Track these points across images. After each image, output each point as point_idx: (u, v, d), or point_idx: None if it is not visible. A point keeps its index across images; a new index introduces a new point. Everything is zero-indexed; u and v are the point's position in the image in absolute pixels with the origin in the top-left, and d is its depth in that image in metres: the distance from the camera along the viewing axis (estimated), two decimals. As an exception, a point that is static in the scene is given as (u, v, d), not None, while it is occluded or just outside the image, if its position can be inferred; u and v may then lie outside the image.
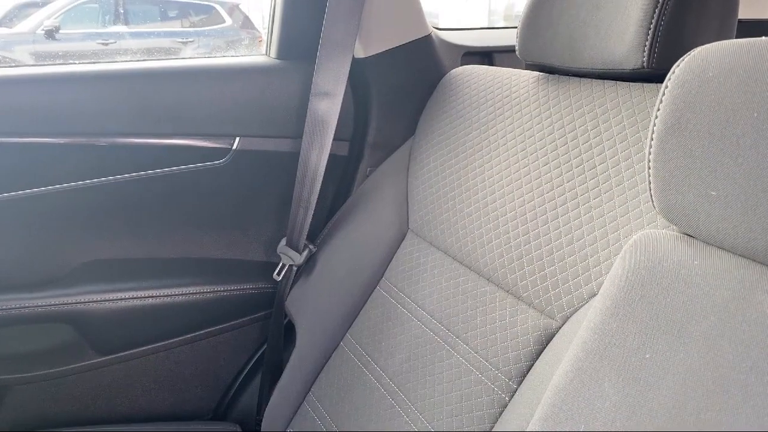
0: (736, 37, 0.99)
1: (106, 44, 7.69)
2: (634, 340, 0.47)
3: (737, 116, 0.42)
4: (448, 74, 1.02)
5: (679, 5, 0.67)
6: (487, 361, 0.72)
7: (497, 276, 0.76)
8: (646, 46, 0.67)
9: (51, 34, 7.34)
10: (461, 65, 1.06)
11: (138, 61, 1.04)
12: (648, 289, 0.48)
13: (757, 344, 0.40)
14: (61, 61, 1.03)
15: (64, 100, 0.94)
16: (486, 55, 1.18)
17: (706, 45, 0.47)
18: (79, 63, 1.00)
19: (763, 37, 0.45)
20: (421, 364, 0.80)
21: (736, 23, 0.73)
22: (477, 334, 0.75)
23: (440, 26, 1.17)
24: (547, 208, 0.74)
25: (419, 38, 1.06)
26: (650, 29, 0.67)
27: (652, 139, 0.48)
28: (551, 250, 0.71)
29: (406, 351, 0.82)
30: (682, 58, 0.48)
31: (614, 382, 0.46)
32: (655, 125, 0.47)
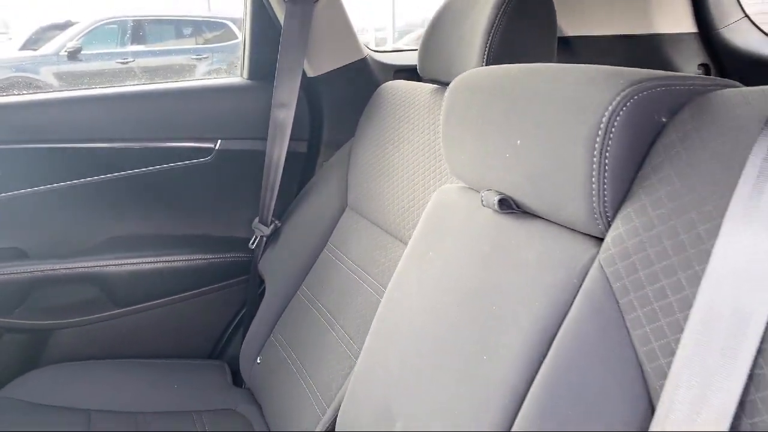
0: (566, 53, 1.36)
1: (125, 63, 8.11)
2: (422, 265, 0.77)
3: (486, 109, 0.71)
4: (380, 87, 1.32)
5: (507, 31, 0.96)
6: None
7: (402, 234, 1.06)
8: (483, 58, 0.96)
9: (74, 55, 7.78)
10: (393, 80, 1.37)
11: (142, 84, 1.37)
12: (434, 227, 0.78)
13: (482, 255, 0.70)
14: (86, 86, 1.37)
15: (88, 115, 1.27)
16: (413, 71, 1.49)
17: (475, 69, 0.78)
18: (98, 87, 1.33)
19: (506, 65, 0.75)
20: (350, 299, 1.10)
21: (556, 42, 1.02)
22: (386, 277, 1.05)
23: (376, 48, 1.49)
24: (425, 185, 1.03)
25: (356, 60, 1.38)
26: (486, 45, 0.95)
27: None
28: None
29: (339, 292, 1.13)
30: (460, 76, 0.78)
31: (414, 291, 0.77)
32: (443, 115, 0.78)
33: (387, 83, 1.31)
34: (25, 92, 1.31)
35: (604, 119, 0.53)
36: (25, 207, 1.27)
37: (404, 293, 0.79)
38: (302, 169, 1.44)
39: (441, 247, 0.76)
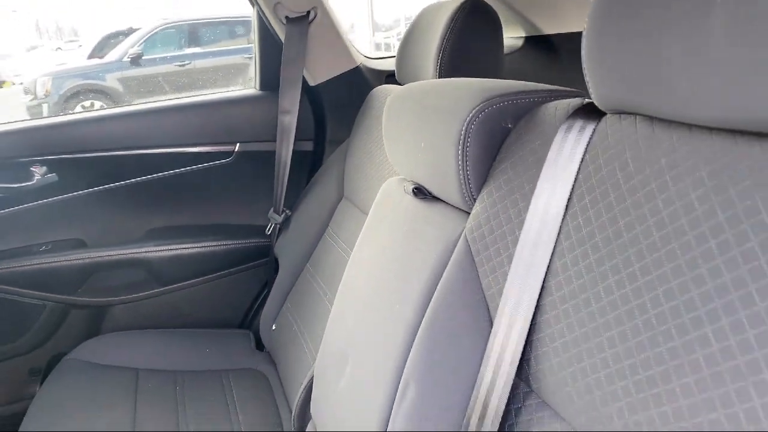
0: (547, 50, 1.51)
1: (183, 65, 8.53)
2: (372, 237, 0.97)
3: (406, 117, 0.90)
4: (372, 91, 1.52)
5: (455, 47, 1.14)
6: None
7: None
8: (436, 70, 1.15)
9: (136, 60, 8.27)
10: (385, 84, 1.56)
11: (171, 99, 1.62)
12: (378, 211, 0.99)
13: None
14: (127, 103, 1.64)
15: (130, 127, 1.54)
16: (402, 76, 1.68)
17: (410, 83, 0.97)
18: (138, 103, 1.60)
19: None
20: (338, 273, 1.31)
21: (502, 55, 1.19)
22: None
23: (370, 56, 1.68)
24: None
25: (352, 68, 1.59)
26: (438, 59, 1.14)
27: None
28: None
29: (331, 268, 1.34)
30: None
31: (362, 261, 0.98)
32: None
33: (377, 87, 1.50)
34: (80, 111, 1.59)
35: (464, 126, 0.72)
36: (83, 205, 1.55)
37: (356, 264, 1.01)
38: (310, 165, 1.66)
39: (379, 227, 0.96)
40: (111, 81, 7.44)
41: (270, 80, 1.60)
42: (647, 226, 0.51)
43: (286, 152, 1.53)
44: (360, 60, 1.62)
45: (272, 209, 1.60)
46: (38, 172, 1.47)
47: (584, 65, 0.57)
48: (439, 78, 1.15)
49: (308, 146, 1.64)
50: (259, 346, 1.56)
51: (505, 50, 1.38)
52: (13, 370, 1.53)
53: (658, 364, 0.48)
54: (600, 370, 0.53)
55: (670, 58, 0.47)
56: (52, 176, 1.48)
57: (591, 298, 0.56)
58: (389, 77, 1.65)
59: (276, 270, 1.58)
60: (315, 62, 1.55)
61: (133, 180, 1.57)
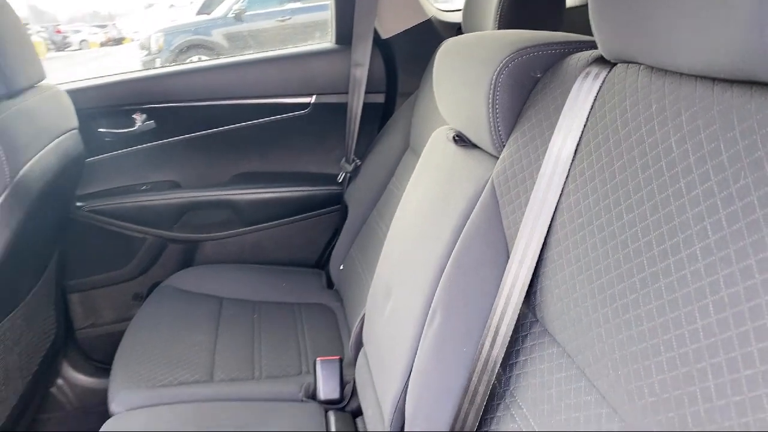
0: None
1: (284, 21, 8.77)
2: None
3: (453, 68, 0.95)
4: (443, 43, 1.56)
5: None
6: None
7: None
8: (496, 22, 1.17)
9: (239, 17, 8.60)
10: (456, 36, 1.59)
11: (259, 52, 1.74)
12: (426, 158, 1.05)
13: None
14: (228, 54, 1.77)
15: (219, 80, 1.68)
16: (475, 27, 1.69)
17: (457, 36, 1.01)
18: (226, 57, 1.73)
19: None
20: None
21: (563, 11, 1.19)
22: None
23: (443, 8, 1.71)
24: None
25: (423, 21, 1.62)
26: (498, 11, 1.17)
27: None
28: None
29: (391, 214, 1.41)
30: None
31: (408, 203, 1.05)
32: None
33: (452, 39, 1.53)
34: (177, 63, 1.75)
35: (494, 75, 0.76)
36: (178, 150, 1.72)
37: (404, 206, 1.08)
38: (381, 117, 1.73)
39: (425, 172, 1.03)
40: (217, 36, 7.81)
41: (345, 34, 1.67)
42: (635, 168, 0.55)
43: (357, 104, 1.61)
44: (432, 13, 1.65)
45: (344, 159, 1.70)
46: (139, 120, 1.65)
47: (590, 17, 0.60)
48: (498, 30, 1.18)
49: (380, 98, 1.71)
50: (330, 284, 1.69)
51: (572, 3, 1.36)
52: (120, 294, 1.77)
53: (633, 292, 0.52)
54: (588, 299, 0.58)
55: (658, 11, 0.49)
56: (151, 123, 1.66)
57: (587, 235, 0.60)
58: (460, 29, 1.67)
59: (345, 216, 1.68)
60: (386, 15, 1.60)
61: (221, 128, 1.72)
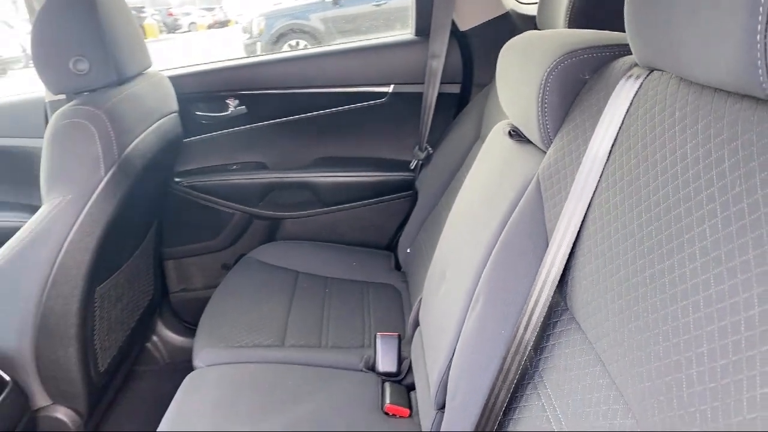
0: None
1: (379, 5, 8.89)
2: None
3: (514, 64, 0.99)
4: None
5: None
6: None
7: None
8: (566, 19, 1.20)
9: (336, 1, 8.78)
10: (533, 29, 1.61)
11: (341, 43, 1.83)
12: (486, 150, 1.10)
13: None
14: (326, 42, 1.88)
15: (303, 69, 1.79)
16: (552, 20, 1.69)
17: (523, 33, 1.05)
18: (310, 48, 1.84)
19: None
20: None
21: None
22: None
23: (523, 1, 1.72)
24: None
25: (500, 15, 1.65)
26: (568, 9, 1.19)
27: None
28: None
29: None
30: None
31: (465, 191, 1.10)
32: None
33: (527, 32, 1.56)
34: (287, 50, 1.88)
35: (544, 75, 0.81)
36: (266, 134, 1.86)
37: (462, 195, 1.14)
38: (456, 107, 1.78)
39: (483, 164, 1.08)
40: (314, 21, 8.04)
41: (424, 26, 1.73)
42: (656, 171, 0.58)
43: (432, 94, 1.68)
44: (510, 6, 1.67)
45: (417, 147, 1.77)
46: (232, 105, 1.79)
47: (626, 26, 0.63)
48: (568, 26, 1.20)
49: (455, 89, 1.76)
50: (398, 266, 1.78)
51: None
52: (210, 263, 1.94)
53: (643, 286, 0.56)
54: (608, 291, 0.63)
55: (679, 23, 0.53)
56: (242, 108, 1.80)
57: (612, 231, 0.64)
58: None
59: (416, 201, 1.76)
60: (465, 8, 1.65)
61: (305, 115, 1.84)
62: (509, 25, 1.67)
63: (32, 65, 1.23)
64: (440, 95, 1.71)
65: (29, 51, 1.20)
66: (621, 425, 0.56)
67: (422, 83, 1.73)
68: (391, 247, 1.92)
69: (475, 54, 1.71)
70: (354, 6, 8.29)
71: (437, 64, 1.65)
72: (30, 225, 1.18)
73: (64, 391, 1.26)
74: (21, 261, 1.17)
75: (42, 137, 1.74)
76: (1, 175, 1.89)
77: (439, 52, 1.64)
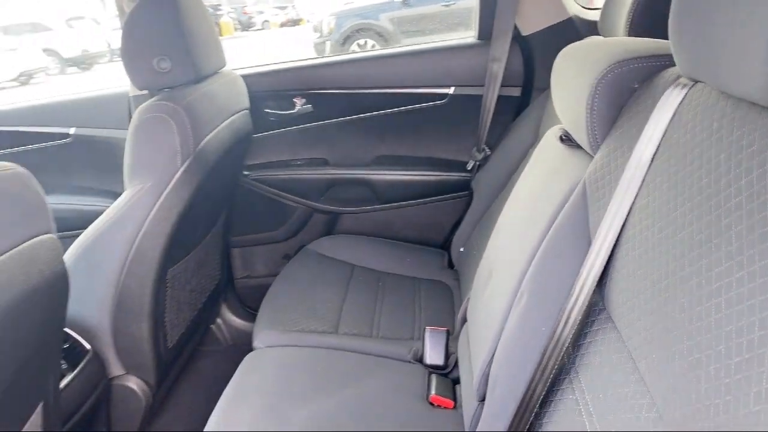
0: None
1: (448, 6, 8.89)
2: None
3: (568, 70, 1.02)
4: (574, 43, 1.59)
5: (648, 5, 1.18)
6: None
7: None
8: (626, 28, 1.21)
9: (406, 1, 8.84)
10: (595, 35, 1.61)
11: (403, 46, 1.89)
12: (537, 153, 1.13)
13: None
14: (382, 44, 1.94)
15: (367, 70, 1.86)
16: (617, 26, 1.68)
17: (575, 42, 1.07)
18: (374, 50, 1.91)
19: None
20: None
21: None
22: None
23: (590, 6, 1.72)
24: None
25: (563, 20, 1.66)
26: (630, 17, 1.20)
27: None
28: None
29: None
30: None
31: (516, 190, 1.14)
32: None
33: (589, 38, 1.57)
34: (357, 49, 1.96)
35: (594, 84, 0.83)
36: (329, 132, 1.94)
37: (513, 196, 1.17)
38: (516, 110, 1.80)
39: (535, 166, 1.11)
40: (384, 21, 8.13)
41: (487, 30, 1.76)
42: (692, 179, 0.61)
43: (491, 97, 1.71)
44: (573, 11, 1.68)
45: (475, 148, 1.80)
46: (299, 103, 1.88)
47: (669, 38, 0.66)
48: (628, 34, 1.21)
49: (515, 92, 1.78)
50: (451, 264, 1.82)
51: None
52: (272, 253, 2.05)
53: (674, 288, 0.59)
54: (642, 292, 0.65)
55: (717, 38, 0.55)
56: (309, 107, 1.89)
57: (649, 235, 0.67)
58: (599, 29, 1.69)
59: (471, 201, 1.79)
60: (528, 13, 1.67)
61: (367, 114, 1.90)
62: (572, 30, 1.68)
63: (116, 60, 1.35)
64: (500, 98, 1.74)
65: (113, 46, 1.32)
66: (646, 419, 0.59)
67: (482, 86, 1.76)
68: (445, 245, 1.97)
69: (537, 58, 1.73)
70: (423, 6, 8.33)
71: (498, 68, 1.68)
72: (112, 209, 1.30)
73: (137, 362, 1.38)
74: (103, 242, 1.29)
75: (124, 129, 1.89)
76: (87, 163, 2.06)
77: (501, 56, 1.67)
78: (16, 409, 0.87)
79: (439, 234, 1.96)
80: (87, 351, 1.28)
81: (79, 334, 1.29)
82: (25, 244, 0.78)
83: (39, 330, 0.87)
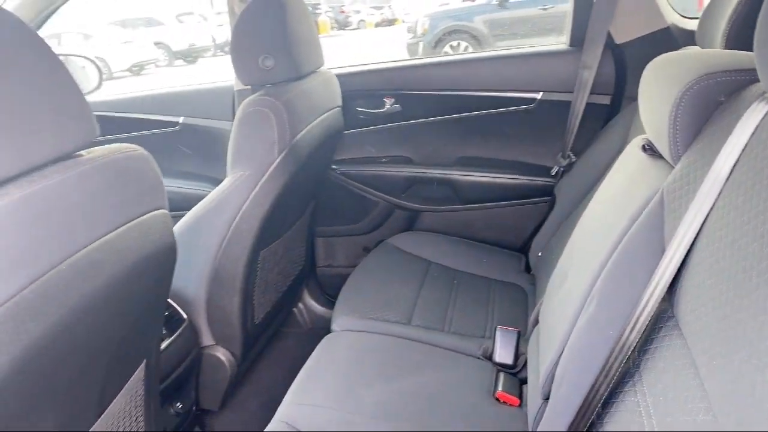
0: None
1: (546, 9, 8.74)
2: None
3: (655, 83, 1.02)
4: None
5: (746, 18, 1.16)
6: None
7: None
8: (723, 41, 1.18)
9: (503, 4, 8.75)
10: (692, 46, 1.58)
11: (496, 50, 1.92)
12: (622, 160, 1.13)
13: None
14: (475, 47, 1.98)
15: (453, 73, 1.91)
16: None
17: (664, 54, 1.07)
18: (461, 54, 1.94)
19: None
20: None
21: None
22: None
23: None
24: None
25: (660, 29, 1.63)
26: (726, 30, 1.18)
27: None
28: None
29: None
30: None
31: (595, 198, 1.15)
32: None
33: (684, 49, 1.54)
34: (449, 51, 2.03)
35: (678, 96, 0.85)
36: (415, 131, 2.00)
37: (593, 203, 1.18)
38: (605, 118, 1.79)
39: (616, 174, 1.12)
40: (478, 23, 8.10)
41: (579, 37, 1.76)
42: (767, 195, 0.62)
43: (580, 104, 1.71)
44: (672, 20, 1.65)
45: (560, 154, 1.81)
46: (388, 102, 1.96)
47: (755, 53, 0.67)
48: (725, 47, 1.19)
49: (605, 100, 1.77)
50: (528, 268, 1.83)
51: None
52: (353, 244, 2.14)
53: (742, 297, 0.61)
54: (710, 301, 0.67)
55: None
56: (397, 107, 1.96)
57: (721, 247, 0.68)
58: (697, 39, 1.64)
59: (553, 207, 1.80)
60: (623, 20, 1.66)
61: (453, 115, 1.95)
62: (669, 39, 1.64)
63: (219, 54, 1.48)
64: (589, 105, 1.73)
65: (218, 41, 1.44)
66: (702, 421, 0.61)
67: (571, 92, 1.77)
68: (524, 249, 1.98)
69: (630, 67, 1.71)
70: (521, 9, 8.21)
71: (588, 75, 1.68)
72: (214, 193, 1.42)
73: (226, 335, 1.50)
74: (205, 223, 1.42)
75: (228, 120, 2.04)
76: (192, 150, 2.23)
77: (591, 64, 1.67)
78: (126, 361, 1.00)
79: (518, 237, 1.98)
80: (184, 320, 1.42)
81: (178, 305, 1.42)
82: (143, 217, 0.89)
83: (149, 294, 0.99)
